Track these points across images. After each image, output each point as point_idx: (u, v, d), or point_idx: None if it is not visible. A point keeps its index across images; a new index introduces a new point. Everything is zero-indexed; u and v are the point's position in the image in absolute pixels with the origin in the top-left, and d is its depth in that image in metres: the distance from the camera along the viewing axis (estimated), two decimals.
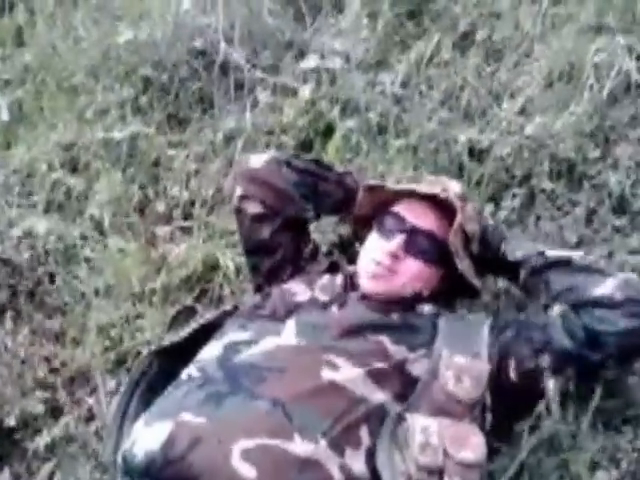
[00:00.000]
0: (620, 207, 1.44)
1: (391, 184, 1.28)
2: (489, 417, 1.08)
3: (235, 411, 1.00)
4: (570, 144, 1.51)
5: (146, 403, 1.16)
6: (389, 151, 1.62)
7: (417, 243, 1.20)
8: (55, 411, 1.47)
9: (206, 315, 1.32)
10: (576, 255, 1.18)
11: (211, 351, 1.14)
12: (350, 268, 1.30)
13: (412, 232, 1.20)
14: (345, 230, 1.51)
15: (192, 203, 1.71)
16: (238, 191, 1.31)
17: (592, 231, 1.42)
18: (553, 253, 1.19)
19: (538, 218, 1.47)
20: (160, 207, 1.72)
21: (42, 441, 1.40)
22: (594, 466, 1.07)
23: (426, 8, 1.90)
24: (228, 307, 1.31)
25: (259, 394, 1.02)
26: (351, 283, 1.25)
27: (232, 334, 1.16)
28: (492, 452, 1.09)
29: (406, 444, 1.00)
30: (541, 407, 1.09)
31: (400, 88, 1.74)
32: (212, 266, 1.57)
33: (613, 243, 1.38)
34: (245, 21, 1.91)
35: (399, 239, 1.20)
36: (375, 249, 1.22)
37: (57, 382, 1.50)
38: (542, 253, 1.19)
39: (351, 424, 1.02)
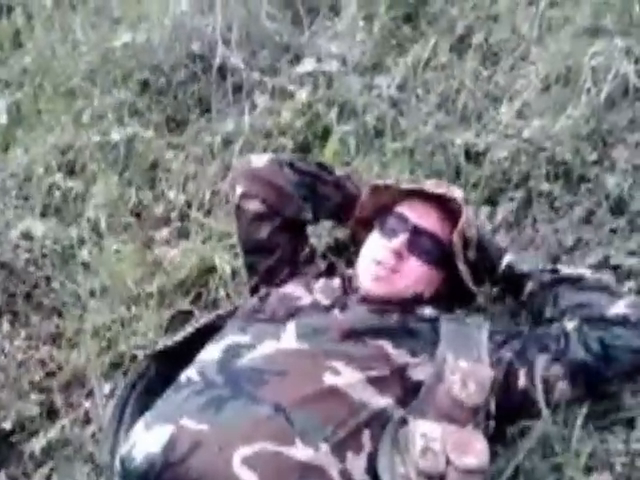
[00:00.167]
0: (618, 209, 1.43)
1: (395, 183, 1.28)
2: (492, 423, 1.08)
3: (236, 416, 0.99)
4: (567, 147, 1.51)
5: (143, 406, 1.16)
6: (386, 154, 1.62)
7: (420, 243, 1.20)
8: (51, 414, 1.47)
9: (203, 318, 1.32)
10: (587, 273, 1.20)
11: (211, 354, 1.13)
12: (348, 271, 1.30)
13: (415, 231, 1.20)
14: (341, 233, 1.51)
15: (189, 206, 1.71)
16: (239, 189, 1.32)
17: (590, 233, 1.42)
18: (564, 270, 1.21)
19: (535, 220, 1.47)
20: (157, 210, 1.73)
21: (38, 444, 1.40)
22: (588, 469, 1.07)
23: (423, 11, 1.90)
24: (225, 309, 1.31)
25: (260, 398, 1.01)
26: (349, 285, 1.24)
27: (231, 337, 1.16)
28: (491, 455, 1.08)
29: (407, 449, 0.99)
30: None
31: (397, 91, 1.74)
32: (208, 269, 1.57)
33: (611, 245, 1.38)
34: (243, 24, 1.92)
35: (402, 238, 1.20)
36: (377, 249, 1.22)
37: (53, 385, 1.50)
38: (553, 269, 1.21)
39: (352, 429, 1.02)
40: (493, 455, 1.09)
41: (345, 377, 1.05)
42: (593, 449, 1.08)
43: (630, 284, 1.28)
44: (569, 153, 1.50)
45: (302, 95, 1.74)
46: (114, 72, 1.95)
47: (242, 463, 0.93)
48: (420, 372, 1.10)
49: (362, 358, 1.09)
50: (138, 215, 1.74)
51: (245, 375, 1.05)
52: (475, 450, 1.00)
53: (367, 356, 1.10)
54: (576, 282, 1.17)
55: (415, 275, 1.20)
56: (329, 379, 1.05)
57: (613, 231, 1.40)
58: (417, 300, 1.21)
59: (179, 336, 1.27)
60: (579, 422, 1.09)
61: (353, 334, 1.12)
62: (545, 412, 1.08)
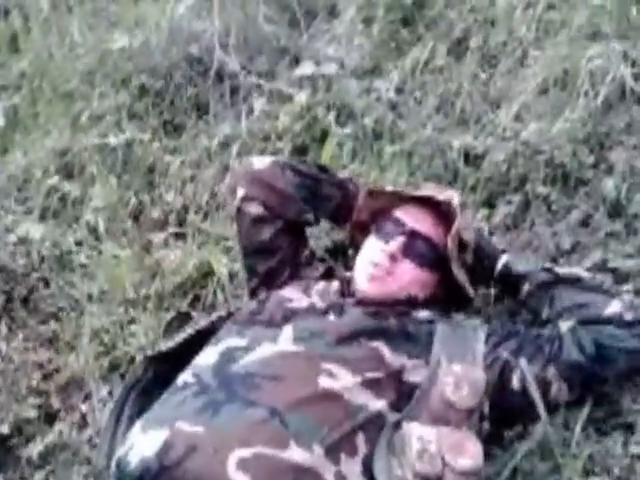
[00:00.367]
0: (615, 212, 1.44)
1: (390, 188, 1.29)
2: (486, 425, 1.08)
3: (231, 420, 0.99)
4: (565, 150, 1.51)
5: (140, 409, 1.16)
6: (384, 157, 1.63)
7: (415, 246, 1.21)
8: (49, 418, 1.46)
9: (201, 321, 1.32)
10: (584, 274, 1.20)
11: (207, 358, 1.13)
12: (346, 274, 1.30)
13: (411, 235, 1.22)
14: (339, 236, 1.51)
15: (187, 209, 1.71)
16: (240, 192, 1.32)
17: (587, 236, 1.42)
18: (561, 270, 1.21)
19: (533, 223, 1.47)
20: (155, 213, 1.73)
21: (36, 448, 1.40)
22: (587, 472, 1.07)
23: (421, 14, 1.90)
24: (223, 313, 1.31)
25: (255, 402, 1.01)
26: (347, 289, 1.25)
27: (228, 340, 1.16)
28: (486, 457, 1.08)
29: (403, 452, 1.00)
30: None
31: (395, 94, 1.75)
32: (206, 272, 1.57)
33: (608, 248, 1.38)
34: (240, 27, 1.92)
35: (398, 241, 1.21)
36: (373, 252, 1.23)
37: (51, 388, 1.49)
38: (550, 269, 1.21)
39: (347, 432, 1.02)
40: (491, 457, 1.10)
41: (341, 380, 1.06)
42: (592, 452, 1.08)
43: (628, 287, 1.28)
44: (567, 156, 1.51)
45: (300, 98, 1.74)
46: (112, 75, 1.95)
47: (237, 466, 0.94)
48: (416, 375, 1.10)
49: (358, 360, 1.09)
50: (136, 218, 1.74)
51: (239, 379, 1.05)
52: (470, 451, 1.00)
53: (363, 358, 1.10)
54: (573, 283, 1.18)
55: (409, 277, 1.21)
56: (324, 382, 1.05)
57: (610, 234, 1.40)
58: (411, 303, 1.21)
59: (177, 339, 1.27)
60: (578, 425, 1.09)
61: (349, 337, 1.12)
62: (543, 414, 1.08)
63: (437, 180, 1.51)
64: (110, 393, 1.43)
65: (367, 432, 1.03)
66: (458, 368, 1.07)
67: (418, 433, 1.01)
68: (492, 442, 1.11)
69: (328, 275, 1.31)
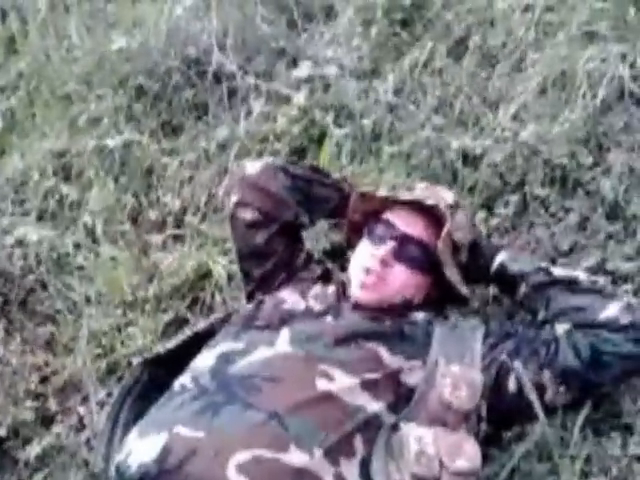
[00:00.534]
0: (613, 213, 1.44)
1: (381, 192, 1.28)
2: (484, 427, 1.08)
3: (231, 422, 0.99)
4: (563, 151, 1.51)
5: (137, 412, 1.16)
6: (382, 158, 1.62)
7: (407, 250, 1.21)
8: (46, 420, 1.46)
9: (198, 324, 1.31)
10: (581, 275, 1.19)
11: (204, 361, 1.13)
12: (342, 276, 1.30)
13: (402, 239, 1.21)
14: (337, 237, 1.51)
15: (185, 211, 1.71)
16: (233, 197, 1.32)
17: (585, 237, 1.42)
18: (557, 271, 1.20)
19: (531, 224, 1.47)
20: (153, 215, 1.72)
21: (33, 451, 1.39)
22: (585, 474, 1.06)
23: (419, 15, 1.90)
24: (220, 315, 1.31)
25: (254, 404, 1.01)
26: (343, 292, 1.25)
27: (225, 343, 1.16)
28: (484, 459, 1.08)
29: (401, 454, 1.00)
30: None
31: (393, 95, 1.74)
32: (204, 274, 1.56)
33: (607, 249, 1.38)
34: (238, 28, 1.92)
35: (389, 246, 1.20)
36: (365, 256, 1.22)
37: (48, 391, 1.49)
38: (547, 270, 1.19)
39: (345, 434, 1.02)
40: (489, 458, 1.10)
41: (338, 382, 1.06)
42: (590, 454, 1.08)
43: (627, 288, 1.29)
44: (565, 157, 1.51)
45: (298, 100, 1.74)
46: (109, 77, 1.95)
47: (237, 470, 0.94)
48: (413, 377, 1.10)
49: (356, 362, 1.09)
50: (134, 220, 1.73)
51: (237, 381, 1.05)
52: (467, 453, 1.00)
53: (360, 360, 1.10)
54: (569, 284, 1.16)
55: (401, 281, 1.20)
56: (322, 385, 1.05)
57: (609, 236, 1.40)
58: (407, 305, 1.21)
59: (174, 342, 1.27)
60: (577, 427, 1.09)
61: (346, 339, 1.12)
62: (541, 416, 1.08)
63: (435, 181, 1.50)
64: (108, 396, 1.42)
65: (365, 434, 1.03)
66: (456, 369, 1.07)
67: (416, 435, 1.01)
68: (490, 443, 1.11)
69: (325, 278, 1.31)
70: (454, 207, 1.22)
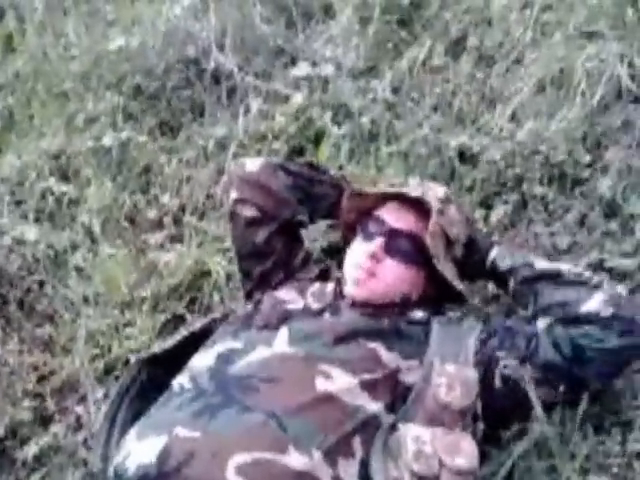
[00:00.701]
0: (611, 212, 1.44)
1: (369, 189, 1.28)
2: (480, 425, 1.08)
3: (229, 424, 0.99)
4: (561, 149, 1.51)
5: (135, 412, 1.16)
6: (381, 157, 1.62)
7: (396, 244, 1.20)
8: (44, 420, 1.45)
9: (195, 323, 1.31)
10: (565, 267, 1.17)
11: (202, 361, 1.13)
12: (339, 274, 1.30)
13: (391, 234, 1.21)
14: (336, 236, 1.51)
15: (183, 210, 1.70)
16: (233, 195, 1.31)
17: (584, 236, 1.42)
18: (541, 265, 1.18)
19: (530, 223, 1.47)
20: (151, 214, 1.72)
21: (31, 451, 1.39)
22: (585, 471, 1.06)
23: (417, 15, 1.90)
24: (218, 314, 1.31)
25: (253, 406, 1.01)
26: (341, 290, 1.24)
27: (223, 343, 1.15)
28: (482, 457, 1.08)
29: (399, 453, 1.00)
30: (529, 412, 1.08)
31: (391, 94, 1.74)
32: (202, 273, 1.56)
33: (604, 248, 1.38)
34: (237, 28, 1.92)
35: (378, 241, 1.20)
36: (357, 253, 1.23)
37: (46, 391, 1.48)
38: (531, 264, 1.18)
39: (344, 435, 1.02)
40: (488, 457, 1.10)
41: (338, 382, 1.05)
42: (590, 451, 1.08)
43: (625, 285, 1.28)
44: (563, 156, 1.51)
45: (297, 99, 1.74)
46: (107, 76, 1.94)
47: (236, 472, 0.93)
48: (411, 376, 1.10)
49: (355, 361, 1.09)
50: (132, 220, 1.73)
51: (236, 383, 1.05)
52: (465, 451, 1.00)
53: (360, 359, 1.09)
54: (553, 278, 1.15)
55: (393, 276, 1.20)
56: (321, 384, 1.05)
57: (607, 234, 1.41)
58: (405, 303, 1.20)
59: (171, 341, 1.26)
60: (576, 424, 1.09)
61: (345, 337, 1.12)
62: (540, 413, 1.07)
63: (434, 180, 1.50)
64: (106, 395, 1.41)
65: (364, 434, 1.03)
66: (451, 368, 1.07)
67: (414, 434, 1.01)
68: (489, 441, 1.11)
69: (324, 276, 1.30)
70: (445, 201, 1.22)
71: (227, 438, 0.97)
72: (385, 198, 1.24)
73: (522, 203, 1.50)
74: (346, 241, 1.34)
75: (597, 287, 1.11)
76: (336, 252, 1.49)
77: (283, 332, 1.13)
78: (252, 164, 1.32)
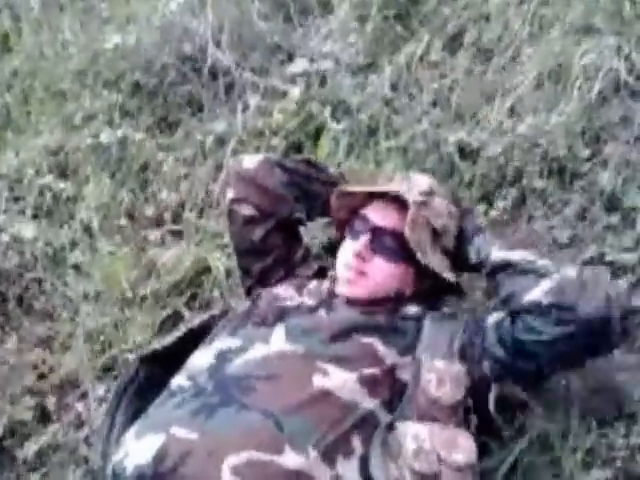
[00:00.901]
0: (611, 205, 1.44)
1: (352, 187, 1.27)
2: (474, 419, 1.07)
3: (226, 424, 0.99)
4: (560, 143, 1.52)
5: (135, 410, 1.15)
6: (380, 152, 1.62)
7: (381, 242, 1.20)
8: (44, 418, 1.45)
9: (194, 320, 1.31)
10: (517, 256, 1.12)
11: (201, 359, 1.13)
12: (333, 273, 1.29)
13: (375, 231, 1.20)
14: (335, 232, 1.50)
15: (182, 207, 1.70)
16: (230, 193, 1.31)
17: (584, 230, 1.42)
18: (496, 256, 1.14)
19: (530, 217, 1.47)
20: (150, 211, 1.72)
21: (31, 449, 1.39)
22: (588, 464, 1.06)
23: (415, 10, 1.90)
24: (217, 311, 1.30)
25: (250, 405, 1.01)
26: (334, 289, 1.24)
27: (222, 341, 1.15)
28: (485, 451, 1.08)
29: (399, 452, 1.00)
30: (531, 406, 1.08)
31: (390, 90, 1.74)
32: (202, 270, 1.56)
33: (605, 242, 1.38)
34: (234, 24, 1.91)
35: (363, 240, 1.20)
36: (346, 252, 1.23)
37: (46, 388, 1.48)
38: (488, 257, 1.15)
39: (343, 433, 1.01)
40: (490, 451, 1.10)
41: (335, 378, 1.05)
42: (593, 444, 1.08)
43: (626, 279, 1.29)
44: (562, 150, 1.51)
45: (295, 95, 1.74)
46: (104, 73, 1.94)
47: (232, 471, 0.93)
48: (406, 373, 1.09)
49: (352, 357, 1.08)
50: (131, 217, 1.72)
51: (234, 382, 1.05)
52: (462, 446, 1.00)
53: (357, 355, 1.09)
54: (507, 268, 1.11)
55: (382, 274, 1.19)
56: (319, 381, 1.04)
57: (607, 227, 1.41)
58: (399, 298, 1.20)
59: (170, 338, 1.26)
60: (577, 418, 1.08)
61: (342, 333, 1.12)
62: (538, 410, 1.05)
63: (433, 175, 1.50)
64: (106, 393, 1.41)
65: (362, 431, 1.03)
66: (440, 364, 1.07)
67: (412, 432, 1.01)
68: (491, 436, 1.11)
69: (322, 273, 1.30)
70: (429, 193, 1.21)
71: (224, 438, 0.96)
72: (371, 196, 1.24)
73: (522, 197, 1.50)
74: (342, 239, 1.34)
75: (545, 275, 1.06)
76: (336, 248, 1.49)
77: (279, 329, 1.13)
78: (249, 162, 1.31)
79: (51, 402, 1.46)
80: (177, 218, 1.69)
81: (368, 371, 1.07)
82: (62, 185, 1.77)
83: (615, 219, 1.42)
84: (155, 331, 1.50)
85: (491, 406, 1.08)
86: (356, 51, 1.83)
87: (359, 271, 1.19)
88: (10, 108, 1.99)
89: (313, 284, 1.26)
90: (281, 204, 1.29)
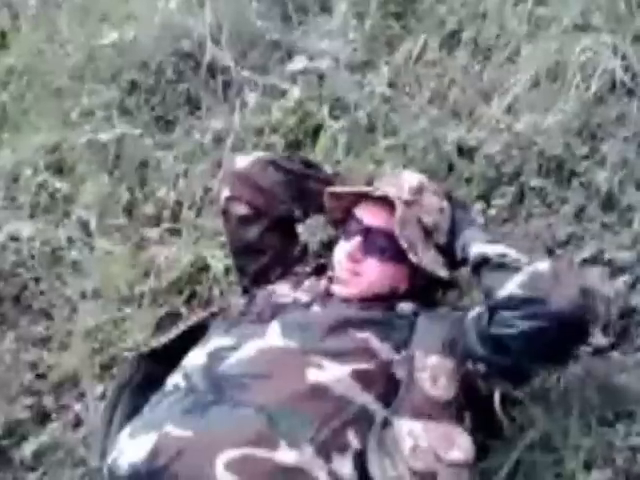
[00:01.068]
0: (609, 204, 1.44)
1: (341, 188, 1.26)
2: (468, 415, 1.06)
3: (219, 421, 0.98)
4: (558, 142, 1.52)
5: (133, 408, 1.15)
6: (379, 150, 1.62)
7: (373, 242, 1.19)
8: (41, 417, 1.44)
9: (191, 318, 1.30)
10: (492, 250, 1.10)
11: (196, 358, 1.12)
12: (331, 272, 1.29)
13: (367, 232, 1.20)
14: (335, 230, 1.51)
15: (180, 205, 1.70)
16: (225, 192, 1.31)
17: (582, 228, 1.43)
18: (474, 251, 1.13)
19: (528, 215, 1.48)
20: (148, 209, 1.71)
21: (28, 449, 1.38)
22: (589, 464, 1.06)
23: (412, 8, 1.91)
24: (215, 309, 1.30)
25: (244, 402, 1.00)
26: (329, 288, 1.23)
27: (216, 339, 1.14)
28: (486, 451, 1.08)
29: (396, 450, 0.99)
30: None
31: (388, 88, 1.75)
32: (201, 268, 1.55)
33: (603, 240, 1.39)
34: (232, 22, 1.91)
35: (355, 240, 1.20)
36: (340, 253, 1.23)
37: (43, 388, 1.47)
38: (468, 253, 1.14)
39: (337, 427, 1.01)
40: (492, 450, 1.10)
41: (329, 372, 1.05)
42: (594, 444, 1.07)
43: (624, 278, 1.29)
44: (560, 148, 1.52)
45: (293, 93, 1.74)
46: (102, 71, 1.93)
47: (225, 468, 0.93)
48: (400, 369, 1.09)
49: (347, 352, 1.08)
50: (129, 215, 1.72)
51: (228, 380, 1.04)
52: (458, 443, 1.00)
53: (352, 349, 1.09)
54: (485, 263, 1.10)
55: (376, 273, 1.19)
56: (313, 375, 1.04)
57: (605, 226, 1.41)
58: (394, 295, 1.20)
59: (167, 337, 1.26)
60: (578, 417, 1.08)
61: (337, 328, 1.11)
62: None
63: (432, 173, 1.50)
64: (105, 392, 1.41)
65: (357, 426, 1.02)
66: (434, 360, 1.06)
67: (407, 429, 1.00)
68: (492, 435, 1.11)
69: (319, 271, 1.30)
70: (418, 191, 1.20)
71: (217, 434, 0.96)
72: (362, 196, 1.24)
73: (520, 195, 1.50)
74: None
75: (519, 269, 1.05)
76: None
77: (274, 325, 1.13)
78: (242, 161, 1.31)
79: (49, 401, 1.46)
80: (175, 216, 1.69)
81: (363, 366, 1.07)
82: (59, 183, 1.76)
83: (613, 218, 1.42)
84: (153, 330, 1.49)
85: (496, 405, 1.08)
86: (354, 49, 1.83)
87: (353, 272, 1.19)
88: (7, 106, 1.98)
89: (310, 281, 1.26)
90: (276, 202, 1.29)
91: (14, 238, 1.68)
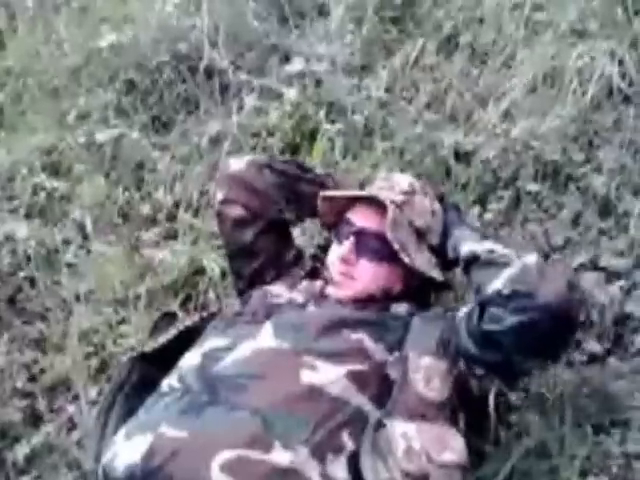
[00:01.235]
0: (605, 209, 1.45)
1: (333, 192, 1.26)
2: (462, 417, 1.06)
3: (215, 422, 0.98)
4: (555, 147, 1.53)
5: (128, 410, 1.14)
6: (375, 154, 1.62)
7: (366, 244, 1.20)
8: (35, 420, 1.43)
9: (187, 320, 1.30)
10: (481, 247, 1.10)
11: (191, 360, 1.12)
12: (327, 275, 1.29)
13: (359, 234, 1.20)
14: (328, 233, 1.50)
15: (177, 206, 1.69)
16: (219, 195, 1.31)
17: (578, 233, 1.43)
18: (464, 250, 1.13)
19: (524, 220, 1.48)
20: (144, 210, 1.71)
21: (21, 451, 1.37)
22: (584, 472, 1.06)
23: (410, 13, 1.91)
24: (210, 311, 1.30)
25: (238, 403, 1.00)
26: (324, 289, 1.23)
27: (211, 341, 1.14)
28: (482, 458, 1.08)
29: (389, 451, 0.99)
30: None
31: (385, 92, 1.75)
32: (197, 270, 1.55)
33: (599, 245, 1.39)
34: (230, 24, 1.91)
35: (348, 243, 1.20)
36: (333, 256, 1.23)
37: (37, 390, 1.46)
38: (458, 249, 1.15)
39: (332, 429, 1.01)
40: (487, 457, 1.09)
41: (323, 374, 1.04)
42: (589, 451, 1.07)
43: (620, 283, 1.30)
44: (556, 153, 1.52)
45: (290, 95, 1.74)
46: (99, 72, 1.93)
47: (221, 470, 0.92)
48: (394, 370, 1.09)
49: (341, 353, 1.08)
50: (125, 216, 1.71)
51: (222, 381, 1.04)
52: (451, 445, 1.00)
53: (346, 350, 1.08)
54: (475, 261, 1.11)
55: (369, 276, 1.19)
56: (307, 377, 1.03)
57: (601, 232, 1.42)
58: (388, 296, 1.20)
59: (163, 339, 1.25)
60: (574, 424, 1.08)
61: (331, 328, 1.11)
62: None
63: (429, 177, 1.50)
64: (99, 394, 1.40)
65: (352, 428, 1.02)
66: (427, 361, 1.06)
67: (401, 431, 1.00)
68: (488, 442, 1.11)
69: (314, 274, 1.30)
70: (409, 193, 1.21)
71: (212, 436, 0.96)
72: (354, 199, 1.24)
73: (516, 200, 1.51)
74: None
75: (508, 262, 1.05)
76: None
77: (268, 326, 1.12)
78: (237, 163, 1.31)
79: (42, 404, 1.45)
80: (172, 218, 1.69)
81: (357, 367, 1.07)
82: (55, 184, 1.76)
83: (609, 223, 1.42)
84: (149, 332, 1.48)
85: (490, 407, 1.08)
86: (351, 53, 1.84)
87: (346, 274, 1.19)
88: (4, 107, 1.98)
89: (305, 283, 1.25)
90: (270, 205, 1.29)
91: (10, 238, 1.67)
